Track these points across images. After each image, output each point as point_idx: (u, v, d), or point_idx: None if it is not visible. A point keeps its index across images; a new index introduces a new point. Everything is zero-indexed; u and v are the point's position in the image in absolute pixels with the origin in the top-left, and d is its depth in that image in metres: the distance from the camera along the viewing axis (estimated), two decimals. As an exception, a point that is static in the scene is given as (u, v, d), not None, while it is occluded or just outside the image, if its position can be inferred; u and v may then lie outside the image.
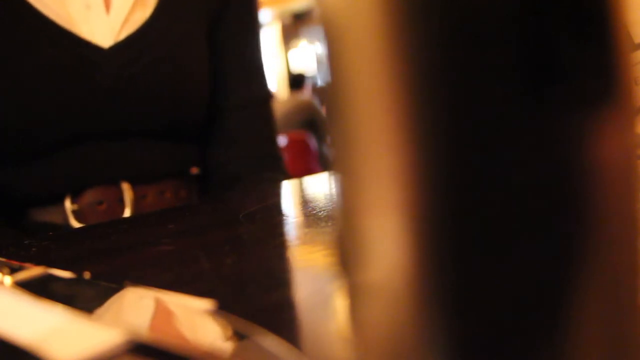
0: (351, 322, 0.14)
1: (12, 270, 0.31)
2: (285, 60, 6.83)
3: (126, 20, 0.64)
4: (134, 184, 0.65)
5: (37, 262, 0.33)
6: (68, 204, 0.62)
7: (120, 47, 0.63)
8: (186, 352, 0.19)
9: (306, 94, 3.36)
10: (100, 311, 0.25)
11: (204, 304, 0.24)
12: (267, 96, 0.79)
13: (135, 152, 0.65)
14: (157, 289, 0.27)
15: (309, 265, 0.31)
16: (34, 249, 0.41)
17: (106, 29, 0.62)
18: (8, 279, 0.30)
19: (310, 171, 2.58)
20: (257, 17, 0.79)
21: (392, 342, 0.13)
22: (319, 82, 0.14)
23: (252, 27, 0.77)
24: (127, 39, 0.63)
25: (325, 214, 0.43)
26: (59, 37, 0.60)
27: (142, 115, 0.65)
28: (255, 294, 0.27)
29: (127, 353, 0.20)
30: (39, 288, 0.28)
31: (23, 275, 0.30)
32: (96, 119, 0.62)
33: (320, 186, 0.64)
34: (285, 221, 0.45)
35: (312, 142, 2.85)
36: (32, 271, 0.31)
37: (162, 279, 0.31)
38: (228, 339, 0.21)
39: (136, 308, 0.26)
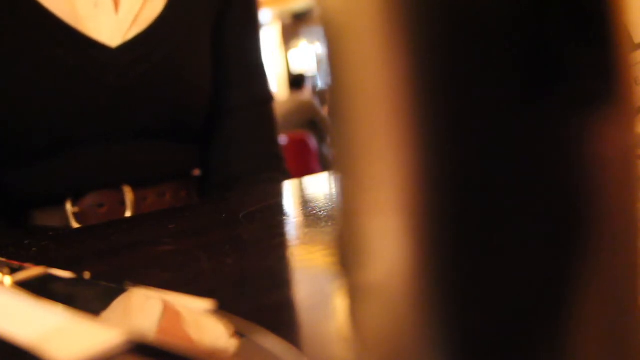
0: (351, 322, 0.14)
1: (12, 270, 0.31)
2: (285, 60, 6.83)
3: (135, 19, 0.63)
4: (135, 187, 0.65)
5: (37, 262, 0.33)
6: (69, 207, 0.62)
7: (129, 47, 0.62)
8: (186, 352, 0.19)
9: (306, 94, 3.36)
10: (100, 311, 0.25)
11: (204, 304, 0.24)
12: (268, 97, 0.79)
13: (137, 155, 0.65)
14: (157, 289, 0.27)
15: (309, 265, 0.31)
16: (34, 249, 0.41)
17: (114, 28, 0.62)
18: (8, 279, 0.30)
19: (310, 171, 2.58)
20: (258, 17, 0.79)
21: (392, 342, 0.13)
22: (320, 83, 0.14)
23: (252, 28, 0.77)
24: (136, 38, 0.63)
25: (325, 214, 0.43)
26: (65, 36, 0.59)
27: (147, 115, 0.65)
28: (255, 294, 0.27)
29: (127, 353, 0.20)
30: (39, 288, 0.28)
31: (23, 275, 0.30)
32: (101, 119, 0.62)
33: (320, 186, 0.64)
34: (285, 221, 0.45)
35: (312, 142, 2.85)
36: (32, 271, 0.31)
37: (162, 279, 0.31)
38: (228, 338, 0.21)
39: (136, 308, 0.26)
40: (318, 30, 0.14)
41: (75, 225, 0.62)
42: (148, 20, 0.64)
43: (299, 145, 2.73)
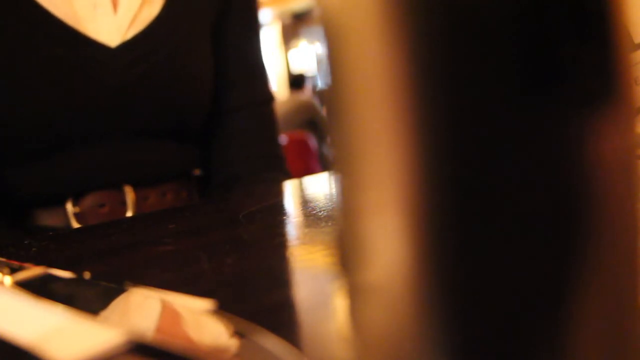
0: (351, 322, 0.14)
1: (12, 270, 0.31)
2: (285, 60, 6.83)
3: (133, 19, 0.63)
4: (136, 187, 0.65)
5: (37, 262, 0.33)
6: (70, 207, 0.62)
7: (128, 46, 0.62)
8: (186, 352, 0.19)
9: (306, 94, 3.36)
10: (100, 311, 0.25)
11: (204, 304, 0.24)
12: (269, 97, 0.79)
13: (139, 154, 0.65)
14: (157, 289, 0.27)
15: (309, 265, 0.31)
16: (34, 249, 0.41)
17: (113, 28, 0.62)
18: (8, 279, 0.30)
19: (310, 171, 2.58)
20: (258, 17, 0.79)
21: (392, 342, 0.13)
22: (319, 83, 0.14)
23: (253, 28, 0.78)
24: (135, 38, 0.63)
25: (325, 214, 0.43)
26: (65, 36, 0.60)
27: (147, 115, 0.65)
28: (255, 294, 0.27)
29: (127, 353, 0.20)
30: (39, 288, 0.28)
31: (23, 275, 0.30)
32: (101, 118, 0.62)
33: (320, 186, 0.64)
34: (285, 221, 0.45)
35: (312, 142, 2.85)
36: (32, 271, 0.31)
37: (162, 279, 0.31)
38: (228, 339, 0.21)
39: (136, 308, 0.26)
40: (318, 30, 0.14)
41: (76, 225, 0.62)
42: (146, 20, 0.64)
43: (299, 145, 2.73)
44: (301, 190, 0.66)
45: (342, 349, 0.19)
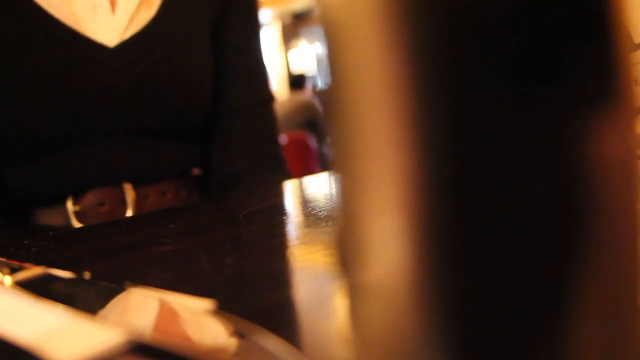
0: (351, 322, 0.14)
1: (12, 270, 0.31)
2: (285, 60, 6.83)
3: (132, 20, 0.64)
4: (136, 185, 0.65)
5: (37, 262, 0.33)
6: (70, 205, 0.62)
7: (126, 46, 0.63)
8: (186, 352, 0.19)
9: (306, 94, 3.36)
10: (100, 311, 0.25)
11: (204, 304, 0.24)
12: (269, 97, 0.79)
13: (138, 153, 0.65)
14: (157, 289, 0.27)
15: (309, 265, 0.31)
16: (34, 249, 0.41)
17: (112, 29, 0.62)
18: (8, 279, 0.30)
19: (310, 171, 2.58)
20: (258, 18, 0.79)
21: (392, 342, 0.13)
22: (319, 83, 0.14)
23: (253, 29, 0.78)
24: (133, 37, 0.63)
25: (325, 214, 0.43)
26: (64, 36, 0.60)
27: (146, 115, 0.65)
28: (255, 294, 0.27)
29: (128, 353, 0.20)
30: (39, 288, 0.28)
31: (23, 275, 0.30)
32: (101, 118, 0.62)
33: (320, 186, 0.64)
34: (285, 221, 0.45)
35: (312, 142, 2.85)
36: (32, 271, 0.31)
37: (162, 279, 0.31)
38: (228, 339, 0.21)
39: (136, 308, 0.26)
40: (318, 30, 0.14)
41: (76, 224, 0.62)
42: (144, 21, 0.65)
43: (299, 145, 2.73)
44: (301, 190, 0.66)
45: (342, 349, 0.19)
